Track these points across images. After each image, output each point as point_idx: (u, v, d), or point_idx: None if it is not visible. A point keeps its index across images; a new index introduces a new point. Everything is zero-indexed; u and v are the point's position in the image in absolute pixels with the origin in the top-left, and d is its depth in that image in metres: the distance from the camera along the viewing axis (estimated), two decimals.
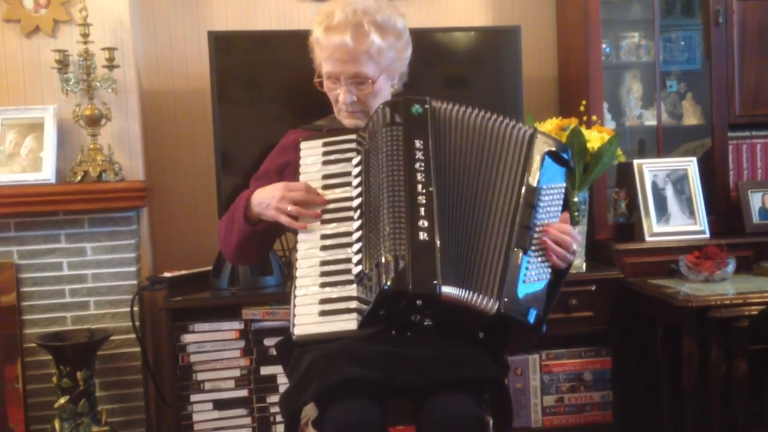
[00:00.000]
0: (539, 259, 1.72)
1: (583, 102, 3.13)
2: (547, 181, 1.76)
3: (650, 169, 3.18)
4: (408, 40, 1.94)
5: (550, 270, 1.74)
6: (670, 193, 3.17)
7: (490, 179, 1.74)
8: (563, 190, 1.80)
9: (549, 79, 3.58)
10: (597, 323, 2.97)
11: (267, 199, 1.80)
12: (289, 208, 1.75)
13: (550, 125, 2.98)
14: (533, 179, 1.73)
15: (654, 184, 3.16)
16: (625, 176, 3.24)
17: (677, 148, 3.40)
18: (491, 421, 1.78)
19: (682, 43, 3.41)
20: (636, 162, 3.19)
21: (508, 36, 3.20)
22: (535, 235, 1.72)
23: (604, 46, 3.29)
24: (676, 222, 3.14)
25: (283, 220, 1.77)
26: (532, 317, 1.67)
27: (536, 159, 1.75)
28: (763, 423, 2.85)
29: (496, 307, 1.64)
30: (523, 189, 1.72)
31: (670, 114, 3.41)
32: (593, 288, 2.96)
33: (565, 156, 1.79)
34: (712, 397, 2.67)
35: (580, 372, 2.99)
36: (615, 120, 3.38)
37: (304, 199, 1.76)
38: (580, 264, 3.00)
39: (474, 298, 1.64)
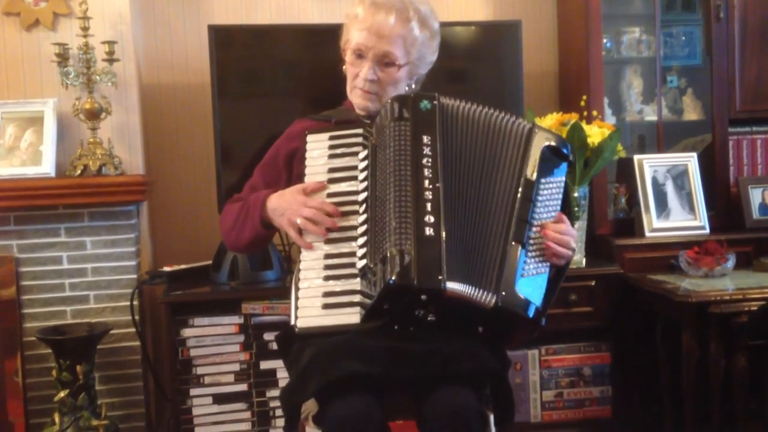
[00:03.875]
0: (537, 253, 1.72)
1: (584, 97, 3.12)
2: (546, 175, 1.75)
3: (650, 165, 3.18)
4: (437, 46, 1.98)
5: (548, 265, 1.74)
6: (670, 188, 3.17)
7: (492, 174, 1.74)
8: (562, 185, 1.79)
9: (549, 74, 3.58)
10: (596, 318, 2.97)
11: (282, 207, 1.80)
12: (299, 221, 1.75)
13: (551, 120, 2.97)
14: (531, 173, 1.73)
15: (654, 180, 3.16)
16: (626, 171, 3.24)
17: (677, 143, 3.40)
18: (492, 416, 1.78)
19: (683, 38, 3.40)
20: (636, 157, 3.19)
21: (508, 30, 3.20)
22: (534, 230, 1.72)
23: (604, 41, 3.29)
24: (676, 217, 3.14)
25: (292, 234, 1.78)
26: (531, 311, 1.66)
27: (535, 153, 1.75)
28: (762, 418, 2.85)
29: (493, 300, 1.64)
30: (521, 183, 1.72)
31: (670, 109, 3.41)
32: (593, 283, 2.95)
33: (564, 150, 1.78)
34: (712, 392, 2.67)
35: (579, 367, 3.00)
36: (615, 115, 3.38)
37: (315, 219, 1.74)
38: (579, 259, 3.00)
39: (472, 292, 1.64)
